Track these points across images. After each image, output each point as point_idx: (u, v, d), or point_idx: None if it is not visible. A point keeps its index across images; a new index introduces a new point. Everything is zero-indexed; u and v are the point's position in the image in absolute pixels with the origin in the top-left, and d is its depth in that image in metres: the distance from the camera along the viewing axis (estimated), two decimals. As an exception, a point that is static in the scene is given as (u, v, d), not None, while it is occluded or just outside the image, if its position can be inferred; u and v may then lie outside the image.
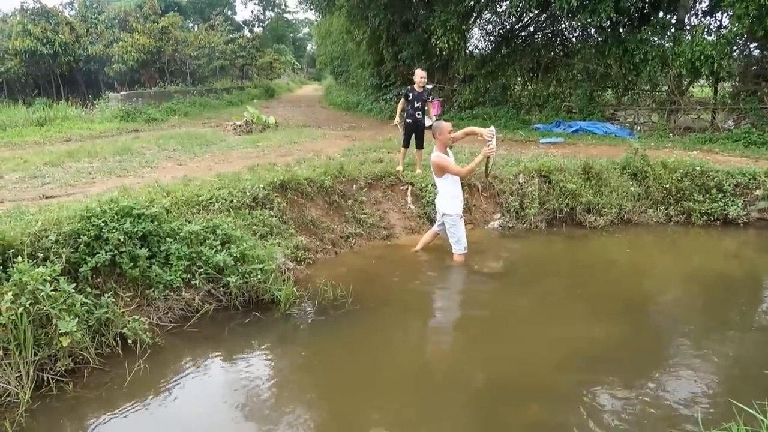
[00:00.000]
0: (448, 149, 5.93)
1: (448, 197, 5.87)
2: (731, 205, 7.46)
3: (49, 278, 3.73)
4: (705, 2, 14.64)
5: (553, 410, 3.51)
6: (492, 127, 5.46)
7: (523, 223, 7.39)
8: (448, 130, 5.78)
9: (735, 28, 11.86)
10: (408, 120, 7.87)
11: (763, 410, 2.84)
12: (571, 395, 3.62)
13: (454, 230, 5.90)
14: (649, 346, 4.36)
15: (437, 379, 4.04)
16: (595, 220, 7.38)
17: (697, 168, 7.80)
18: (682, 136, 12.84)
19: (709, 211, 7.49)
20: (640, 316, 4.97)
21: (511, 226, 7.41)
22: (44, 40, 21.98)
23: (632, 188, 7.77)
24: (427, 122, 8.52)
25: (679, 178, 7.72)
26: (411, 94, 7.81)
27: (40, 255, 4.07)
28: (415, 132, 7.90)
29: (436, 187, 6.22)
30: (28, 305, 3.55)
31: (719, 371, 3.93)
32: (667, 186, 7.71)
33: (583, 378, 3.84)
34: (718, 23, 14.19)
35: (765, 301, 5.43)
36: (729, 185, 7.61)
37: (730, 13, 12.25)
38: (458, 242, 5.91)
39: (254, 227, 5.64)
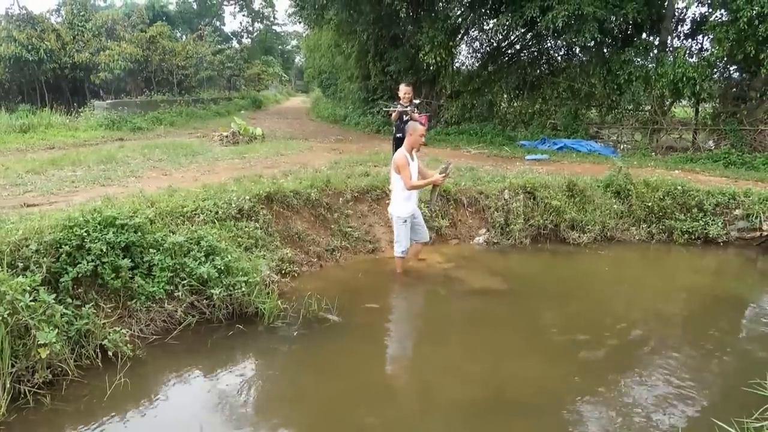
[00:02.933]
0: (413, 152, 6.00)
1: (401, 199, 5.91)
2: (711, 224, 7.59)
3: (28, 288, 3.66)
4: (687, 25, 15.04)
5: (537, 426, 3.52)
6: (451, 163, 6.13)
7: (508, 239, 7.43)
8: (420, 133, 5.90)
9: (716, 51, 12.20)
10: (398, 135, 7.87)
11: (742, 428, 2.87)
12: (554, 411, 3.64)
13: (397, 230, 6.01)
14: (630, 364, 4.39)
15: (420, 395, 4.03)
16: (579, 237, 7.45)
17: (679, 187, 7.93)
18: (664, 155, 13.09)
19: (690, 230, 7.60)
20: (621, 333, 4.99)
21: (496, 241, 7.44)
22: (29, 47, 21.73)
23: (615, 206, 7.87)
24: None
25: (661, 197, 7.84)
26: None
27: (20, 264, 4.00)
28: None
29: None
30: (6, 315, 3.48)
31: (700, 389, 3.96)
32: (650, 204, 7.82)
33: (564, 394, 3.86)
34: (700, 46, 14.59)
35: (744, 320, 5.50)
36: (709, 204, 7.75)
37: (711, 37, 12.60)
38: (398, 243, 6.02)
39: (239, 239, 5.60)
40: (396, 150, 7.78)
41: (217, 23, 51.20)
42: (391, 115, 8.08)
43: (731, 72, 14.04)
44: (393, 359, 4.66)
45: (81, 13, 25.46)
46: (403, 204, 5.91)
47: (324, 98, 36.76)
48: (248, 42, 51.25)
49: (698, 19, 14.35)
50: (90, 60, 23.47)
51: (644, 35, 15.18)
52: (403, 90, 7.90)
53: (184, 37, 37.46)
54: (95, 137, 15.16)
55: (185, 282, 4.69)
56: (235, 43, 47.55)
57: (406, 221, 5.96)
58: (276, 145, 13.04)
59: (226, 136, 14.53)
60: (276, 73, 46.05)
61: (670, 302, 5.84)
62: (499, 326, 5.13)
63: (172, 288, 4.64)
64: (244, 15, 54.03)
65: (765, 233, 7.51)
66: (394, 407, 3.76)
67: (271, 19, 56.07)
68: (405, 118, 7.80)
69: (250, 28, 54.81)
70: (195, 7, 48.32)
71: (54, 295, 3.86)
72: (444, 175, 5.92)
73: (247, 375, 4.18)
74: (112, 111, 18.69)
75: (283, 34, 61.97)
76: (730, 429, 2.87)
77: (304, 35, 36.57)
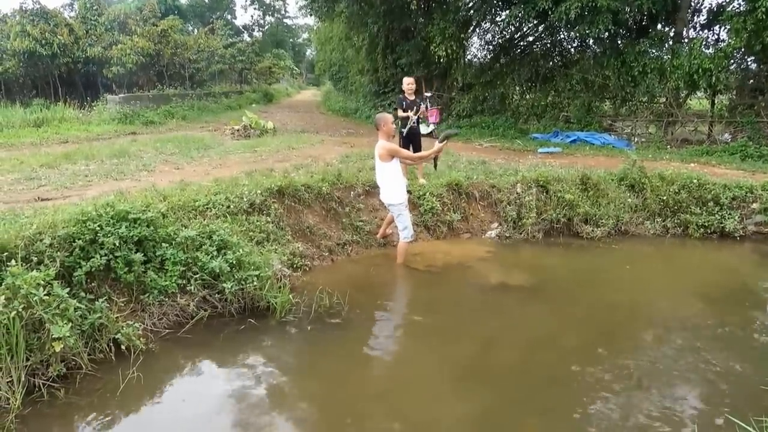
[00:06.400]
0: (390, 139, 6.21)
1: (393, 186, 6.00)
2: (728, 219, 7.47)
3: (42, 282, 3.69)
4: (703, 16, 14.82)
5: (550, 424, 3.49)
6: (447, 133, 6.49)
7: (521, 233, 7.37)
8: (390, 121, 6.13)
9: (733, 42, 11.98)
10: (402, 130, 7.85)
11: (760, 427, 2.82)
12: (568, 408, 3.60)
13: (401, 219, 6.07)
14: (646, 360, 4.33)
15: (432, 391, 4.01)
16: (593, 231, 7.37)
17: (695, 180, 7.81)
18: (679, 148, 12.92)
19: (706, 224, 7.49)
20: (637, 329, 4.96)
21: (508, 235, 7.39)
22: (43, 41, 21.86)
23: (630, 200, 7.78)
24: (424, 129, 8.54)
25: (677, 191, 7.73)
26: (404, 103, 7.81)
27: (34, 259, 4.02)
28: (411, 141, 7.85)
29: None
30: (20, 309, 3.50)
31: (717, 387, 3.90)
32: (665, 198, 7.71)
33: (581, 389, 3.82)
34: (716, 37, 14.35)
35: (762, 317, 5.42)
36: (726, 198, 7.63)
37: (728, 27, 12.36)
38: (405, 229, 6.09)
39: (251, 233, 5.61)
40: (404, 144, 7.80)
41: (229, 17, 51.36)
42: (409, 112, 7.97)
43: (749, 63, 13.80)
44: (405, 355, 4.64)
45: (94, 8, 25.56)
46: (398, 190, 6.02)
47: (335, 91, 36.75)
48: (259, 35, 51.39)
49: (715, 10, 14.11)
50: (103, 54, 23.58)
51: (659, 26, 14.95)
52: (407, 82, 7.86)
53: (195, 30, 37.58)
54: (108, 131, 15.28)
55: (197, 276, 4.70)
56: (246, 37, 47.69)
57: (406, 206, 6.09)
58: (287, 139, 13.04)
59: (238, 130, 14.56)
60: (287, 67, 45.97)
61: (686, 298, 5.75)
62: (515, 321, 5.09)
63: (184, 282, 4.66)
64: (255, 8, 54.33)
65: (783, 227, 7.40)
66: (406, 404, 3.74)
67: (282, 12, 56.26)
68: (410, 112, 7.76)
69: (261, 22, 55.00)
70: (206, 0, 48.43)
71: (68, 289, 3.89)
72: (443, 144, 6.15)
73: (259, 369, 4.18)
74: (125, 105, 18.82)
75: (294, 27, 62.08)
76: (748, 428, 2.82)
77: (315, 28, 36.46)
